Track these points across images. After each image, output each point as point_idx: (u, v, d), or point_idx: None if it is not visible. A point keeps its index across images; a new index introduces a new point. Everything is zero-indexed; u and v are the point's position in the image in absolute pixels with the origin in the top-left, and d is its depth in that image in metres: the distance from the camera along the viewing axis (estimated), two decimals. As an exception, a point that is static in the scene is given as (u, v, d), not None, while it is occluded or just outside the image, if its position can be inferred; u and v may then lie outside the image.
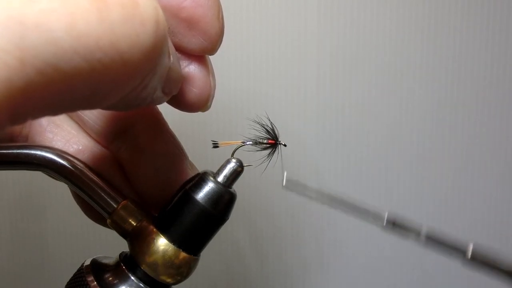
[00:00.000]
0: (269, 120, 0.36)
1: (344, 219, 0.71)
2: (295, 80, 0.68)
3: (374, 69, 0.68)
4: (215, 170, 0.34)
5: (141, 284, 0.32)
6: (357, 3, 0.67)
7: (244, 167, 0.33)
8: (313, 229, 0.71)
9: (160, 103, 0.29)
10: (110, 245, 0.66)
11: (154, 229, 0.32)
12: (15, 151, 0.33)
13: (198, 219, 0.32)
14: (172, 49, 0.26)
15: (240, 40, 0.66)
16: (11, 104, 0.18)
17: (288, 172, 0.71)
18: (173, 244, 0.32)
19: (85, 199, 0.34)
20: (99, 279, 0.32)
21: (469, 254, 0.22)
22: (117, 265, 0.33)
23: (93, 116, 0.34)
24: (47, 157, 0.33)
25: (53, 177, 0.34)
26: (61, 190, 0.59)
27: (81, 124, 0.35)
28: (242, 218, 0.70)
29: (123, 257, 0.33)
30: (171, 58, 0.26)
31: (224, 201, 0.32)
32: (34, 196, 0.68)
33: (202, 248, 0.34)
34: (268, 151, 0.36)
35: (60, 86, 0.19)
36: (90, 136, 0.35)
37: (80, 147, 0.35)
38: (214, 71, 0.32)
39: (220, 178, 0.33)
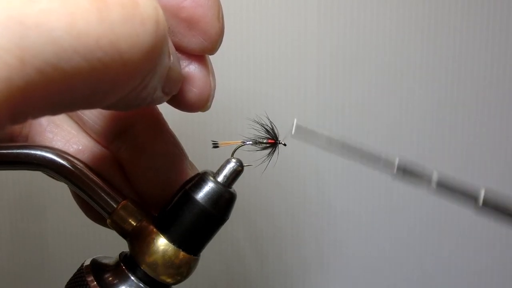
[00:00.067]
0: (269, 119, 0.36)
1: (344, 219, 0.71)
2: (295, 80, 0.68)
3: (374, 69, 0.68)
4: (215, 170, 0.34)
5: (141, 284, 0.32)
6: (357, 3, 0.67)
7: (244, 167, 0.33)
8: (313, 229, 0.71)
9: (160, 103, 0.29)
10: (110, 245, 0.66)
11: (154, 229, 0.32)
12: (15, 151, 0.33)
13: (198, 219, 0.32)
14: (172, 49, 0.26)
15: (240, 40, 0.66)
16: (11, 103, 0.18)
17: (289, 170, 0.71)
18: (173, 244, 0.32)
19: (85, 199, 0.34)
20: (99, 279, 0.32)
21: (481, 200, 0.22)
22: (117, 265, 0.33)
23: (93, 116, 0.34)
24: (47, 157, 0.33)
25: (53, 177, 0.34)
26: (61, 190, 0.59)
27: (81, 124, 0.35)
28: (242, 218, 0.70)
29: (123, 257, 0.33)
30: (171, 58, 0.26)
31: (224, 201, 0.32)
32: (34, 196, 0.68)
33: (202, 248, 0.34)
34: (268, 151, 0.36)
35: (60, 85, 0.19)
36: (90, 136, 0.35)
37: (80, 147, 0.35)
38: (214, 71, 0.32)
39: (220, 178, 0.33)
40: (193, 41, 0.29)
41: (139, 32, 0.21)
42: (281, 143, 0.37)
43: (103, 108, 0.24)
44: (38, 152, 0.33)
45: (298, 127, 0.23)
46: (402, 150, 0.70)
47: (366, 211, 0.71)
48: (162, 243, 0.32)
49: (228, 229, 0.68)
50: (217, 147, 0.36)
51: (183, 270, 0.32)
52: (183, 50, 0.30)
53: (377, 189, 0.70)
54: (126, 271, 0.32)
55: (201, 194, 0.32)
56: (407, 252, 0.72)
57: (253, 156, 0.36)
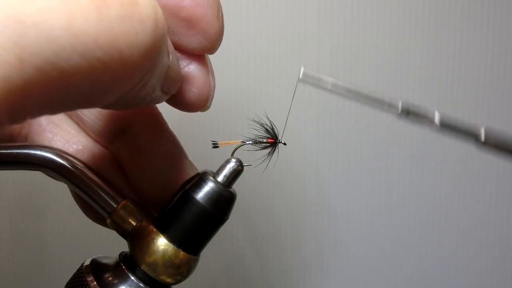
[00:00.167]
0: (268, 119, 0.36)
1: (344, 219, 0.71)
2: (295, 80, 0.67)
3: (374, 68, 0.68)
4: (215, 170, 0.34)
5: (141, 284, 0.32)
6: (357, 3, 0.67)
7: (244, 166, 0.33)
8: (313, 229, 0.71)
9: (159, 102, 0.29)
10: (110, 245, 0.66)
11: (154, 229, 0.32)
12: (14, 151, 0.33)
13: (198, 219, 0.32)
14: (171, 48, 0.26)
15: (240, 40, 0.66)
16: (10, 102, 0.18)
17: (289, 170, 0.71)
18: (173, 244, 0.32)
19: (84, 199, 0.34)
20: (99, 279, 0.32)
21: (482, 136, 0.23)
22: (117, 265, 0.33)
23: (93, 116, 0.34)
24: (47, 157, 0.33)
25: (52, 177, 0.34)
26: (61, 190, 0.59)
27: (81, 124, 0.35)
28: (242, 218, 0.70)
29: (123, 257, 0.33)
30: (170, 57, 0.26)
31: (224, 201, 0.32)
32: (34, 196, 0.68)
33: (202, 248, 0.34)
34: (267, 151, 0.36)
35: (59, 84, 0.19)
36: (89, 136, 0.35)
37: (80, 147, 0.35)
38: (214, 70, 0.32)
39: (220, 178, 0.33)
40: (192, 40, 0.29)
41: (138, 30, 0.21)
42: (281, 142, 0.37)
43: (102, 107, 0.24)
44: (38, 152, 0.33)
45: (305, 74, 0.24)
46: (402, 150, 0.70)
47: (366, 211, 0.71)
48: (162, 243, 0.32)
49: (228, 229, 0.68)
50: (217, 147, 0.36)
51: (183, 270, 0.32)
52: (182, 50, 0.30)
53: (377, 189, 0.70)
54: (126, 271, 0.32)
55: (201, 194, 0.32)
56: (407, 252, 0.72)
57: (253, 156, 0.36)
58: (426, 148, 0.70)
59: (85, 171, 0.33)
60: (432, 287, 0.73)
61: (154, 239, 0.32)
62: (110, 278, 0.32)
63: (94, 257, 0.34)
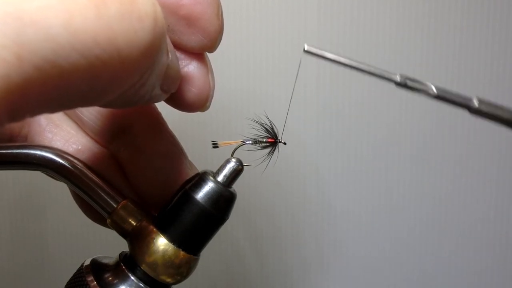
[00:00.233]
0: (268, 119, 0.36)
1: (344, 219, 0.71)
2: (297, 79, 0.67)
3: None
4: (215, 170, 0.34)
5: (141, 284, 0.32)
6: (357, 2, 0.67)
7: (244, 166, 0.33)
8: (313, 229, 0.71)
9: (158, 100, 0.29)
10: (110, 245, 0.66)
11: (154, 229, 0.32)
12: (14, 151, 0.33)
13: (198, 219, 0.32)
14: (170, 46, 0.26)
15: (240, 39, 0.66)
16: (9, 100, 0.18)
17: (289, 170, 0.70)
18: (173, 244, 0.32)
19: (84, 199, 0.34)
20: (99, 279, 0.32)
21: (476, 103, 0.25)
22: (117, 265, 0.33)
23: (92, 115, 0.34)
24: (47, 157, 0.33)
25: (52, 177, 0.34)
26: (61, 190, 0.59)
27: (80, 124, 0.35)
28: (242, 218, 0.70)
29: (123, 257, 0.33)
30: (170, 56, 0.26)
31: (224, 200, 0.32)
32: (34, 196, 0.67)
33: (202, 248, 0.34)
34: (267, 150, 0.36)
35: (58, 82, 0.19)
36: (89, 136, 0.35)
37: (80, 147, 0.35)
38: (214, 70, 0.32)
39: (220, 178, 0.33)
40: (192, 38, 0.29)
41: (137, 28, 0.21)
42: (281, 141, 0.37)
43: (102, 106, 0.24)
44: (38, 152, 0.33)
45: (309, 47, 0.26)
46: (402, 150, 0.70)
47: (366, 211, 0.71)
48: (162, 243, 0.32)
49: (228, 229, 0.68)
50: (217, 147, 0.36)
51: (183, 270, 0.32)
52: (182, 48, 0.30)
53: (377, 189, 0.70)
54: (126, 271, 0.32)
55: (201, 194, 0.32)
56: (407, 252, 0.72)
57: (253, 156, 0.36)
58: (426, 148, 0.70)
59: (85, 171, 0.33)
60: (432, 287, 0.73)
61: (154, 239, 0.32)
62: (110, 278, 0.32)
63: (94, 257, 0.34)
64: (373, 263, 0.72)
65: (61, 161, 0.33)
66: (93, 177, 0.33)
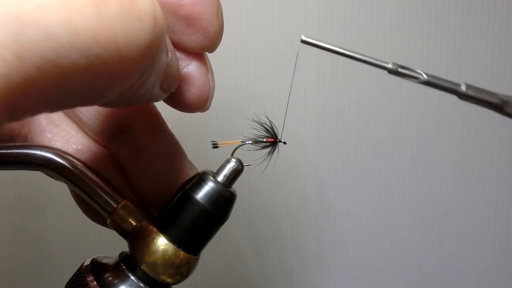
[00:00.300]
0: (268, 118, 0.36)
1: (344, 219, 0.71)
2: (295, 80, 0.67)
3: (374, 68, 0.68)
4: (215, 170, 0.34)
5: (141, 284, 0.32)
6: (357, 2, 0.67)
7: (244, 166, 0.33)
8: (313, 229, 0.71)
9: (158, 100, 0.29)
10: (110, 245, 0.66)
11: (154, 229, 0.32)
12: (14, 151, 0.33)
13: (198, 219, 0.32)
14: (170, 46, 0.26)
15: (240, 39, 0.66)
16: (9, 99, 0.18)
17: (289, 170, 0.70)
18: (173, 244, 0.32)
19: (84, 199, 0.34)
20: (99, 279, 0.32)
21: (463, 88, 0.27)
22: (117, 265, 0.33)
23: (91, 115, 0.34)
24: (47, 157, 0.33)
25: (52, 177, 0.34)
26: (61, 190, 0.59)
27: (79, 124, 0.35)
28: (242, 218, 0.70)
29: (123, 257, 0.33)
30: (169, 55, 0.26)
31: (224, 200, 0.32)
32: (34, 196, 0.67)
33: (202, 248, 0.34)
34: (267, 150, 0.36)
35: (58, 81, 0.19)
36: (89, 136, 0.35)
37: (80, 147, 0.35)
38: (214, 70, 0.32)
39: (220, 178, 0.33)
40: (192, 38, 0.29)
41: (137, 27, 0.21)
42: (281, 141, 0.37)
43: (102, 105, 0.24)
44: (38, 152, 0.33)
45: (304, 41, 0.27)
46: (402, 150, 0.70)
47: (366, 211, 0.71)
48: (162, 243, 0.32)
49: (228, 229, 0.68)
50: (217, 147, 0.36)
51: (183, 270, 0.32)
52: (182, 48, 0.30)
53: (377, 189, 0.70)
54: (126, 271, 0.32)
55: (201, 194, 0.32)
56: (407, 252, 0.72)
57: (253, 156, 0.36)
58: (426, 148, 0.70)
59: (85, 171, 0.33)
60: (432, 287, 0.73)
61: (154, 239, 0.32)
62: (110, 278, 0.32)
63: (94, 257, 0.34)
64: (373, 263, 0.72)
65: (61, 161, 0.33)
66: (93, 177, 0.33)
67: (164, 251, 0.31)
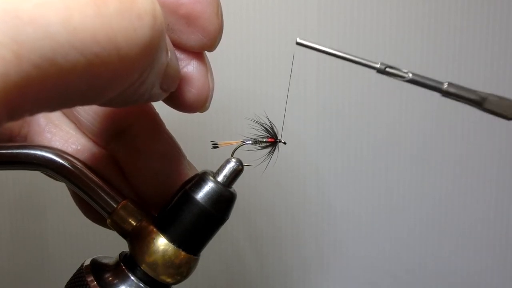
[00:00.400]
0: (268, 118, 0.36)
1: (344, 219, 0.71)
2: (295, 80, 0.67)
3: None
4: (215, 170, 0.34)
5: (141, 284, 0.32)
6: (357, 2, 0.67)
7: (244, 166, 0.33)
8: (313, 229, 0.71)
9: (158, 99, 0.29)
10: (110, 245, 0.66)
11: (154, 229, 0.32)
12: (14, 151, 0.33)
13: (198, 219, 0.32)
14: (169, 45, 0.26)
15: (239, 39, 0.66)
16: (8, 99, 0.18)
17: (289, 170, 0.70)
18: (173, 244, 0.32)
19: (84, 199, 0.34)
20: (99, 279, 0.32)
21: (445, 86, 0.29)
22: (117, 265, 0.33)
23: (89, 116, 0.34)
24: (47, 157, 0.33)
25: (52, 177, 0.34)
26: (61, 190, 0.59)
27: (78, 125, 0.35)
28: (242, 218, 0.70)
29: (123, 257, 0.33)
30: (169, 54, 0.26)
31: (224, 201, 0.32)
32: (34, 196, 0.67)
33: (202, 248, 0.34)
34: (267, 150, 0.36)
35: (57, 80, 0.19)
36: (88, 136, 0.35)
37: (79, 147, 0.35)
38: (214, 70, 0.32)
39: (220, 178, 0.33)
40: (192, 37, 0.29)
41: (136, 26, 0.21)
42: (281, 141, 0.37)
43: (101, 104, 0.24)
44: (38, 152, 0.33)
45: (299, 43, 0.29)
46: (402, 150, 0.70)
47: (366, 211, 0.71)
48: (162, 243, 0.32)
49: (228, 229, 0.68)
50: (217, 147, 0.36)
51: (183, 270, 0.32)
52: (182, 47, 0.30)
53: (377, 189, 0.70)
54: (126, 271, 0.32)
55: (201, 194, 0.32)
56: (407, 252, 0.72)
57: (253, 156, 0.36)
58: (426, 148, 0.70)
59: (85, 171, 0.33)
60: (432, 287, 0.73)
61: (154, 239, 0.32)
62: (110, 278, 0.32)
63: (94, 257, 0.34)
64: (373, 263, 0.72)
65: (61, 161, 0.33)
66: (93, 177, 0.33)
67: (164, 251, 0.31)
